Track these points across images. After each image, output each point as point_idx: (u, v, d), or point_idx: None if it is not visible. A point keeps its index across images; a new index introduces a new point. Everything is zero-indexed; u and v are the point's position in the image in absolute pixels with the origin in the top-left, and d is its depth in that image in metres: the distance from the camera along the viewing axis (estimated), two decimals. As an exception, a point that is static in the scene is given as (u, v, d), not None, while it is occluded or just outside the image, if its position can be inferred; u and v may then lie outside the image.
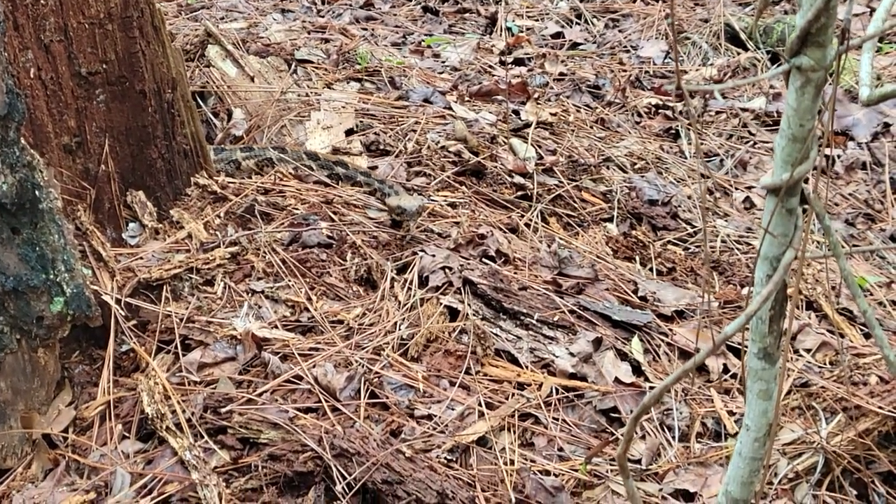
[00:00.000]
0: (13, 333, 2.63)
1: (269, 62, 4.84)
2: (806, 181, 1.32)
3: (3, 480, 2.63)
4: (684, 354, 3.22)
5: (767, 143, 5.18)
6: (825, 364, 3.26)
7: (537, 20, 7.16)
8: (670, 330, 3.30)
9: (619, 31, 6.93)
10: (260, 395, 2.79)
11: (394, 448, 2.57)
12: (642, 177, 4.47)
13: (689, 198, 4.38)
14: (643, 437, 2.87)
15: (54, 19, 3.00)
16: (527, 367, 3.02)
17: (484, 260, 3.47)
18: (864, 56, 1.38)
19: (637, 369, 3.11)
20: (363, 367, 2.89)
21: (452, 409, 2.82)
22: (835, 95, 1.21)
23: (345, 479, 2.49)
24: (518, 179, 4.21)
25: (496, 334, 3.11)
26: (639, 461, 2.80)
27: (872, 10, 6.83)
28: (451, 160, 4.20)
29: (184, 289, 3.12)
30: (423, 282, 3.27)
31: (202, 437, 2.67)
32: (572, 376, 3.01)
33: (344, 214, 3.60)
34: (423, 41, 6.43)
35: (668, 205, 4.27)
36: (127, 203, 3.28)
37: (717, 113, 5.45)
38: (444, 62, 5.97)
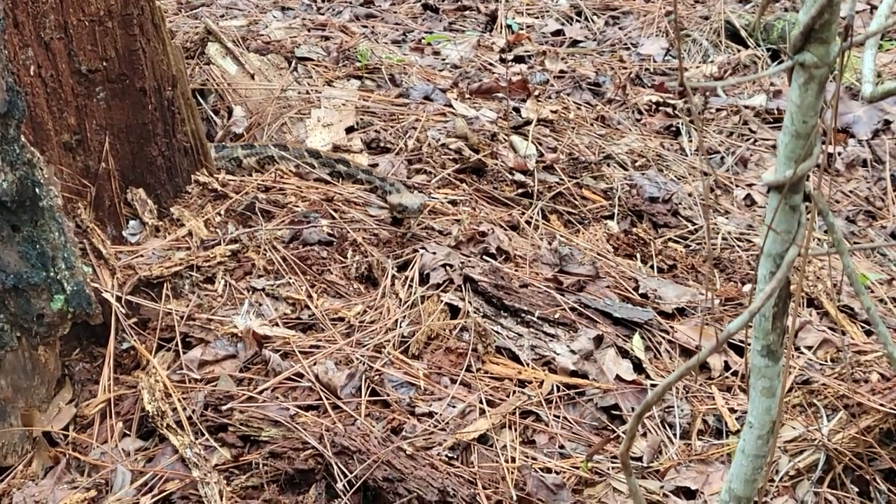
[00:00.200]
0: (13, 331, 2.63)
1: (269, 60, 4.84)
2: (807, 178, 1.32)
3: (4, 478, 2.63)
4: (685, 352, 3.22)
5: (768, 140, 5.17)
6: (826, 361, 3.26)
7: (537, 17, 7.16)
8: (671, 327, 3.30)
9: (620, 28, 6.93)
10: (261, 392, 2.78)
11: (395, 446, 2.57)
12: (643, 174, 4.47)
13: (690, 195, 4.38)
14: (644, 435, 2.87)
15: (54, 17, 2.99)
16: (528, 365, 3.01)
17: (485, 257, 3.47)
18: (866, 53, 1.38)
19: (638, 367, 3.11)
20: (364, 364, 2.89)
21: (453, 407, 2.82)
22: (838, 92, 1.20)
23: (346, 476, 2.49)
24: (519, 177, 4.21)
25: (497, 332, 3.10)
26: (640, 459, 2.80)
27: (873, 8, 6.83)
28: (451, 158, 4.20)
29: (184, 286, 3.12)
30: (423, 279, 3.26)
31: (203, 434, 2.67)
32: (573, 374, 3.01)
33: (344, 212, 3.60)
34: (424, 39, 6.43)
35: (669, 202, 4.26)
36: (127, 201, 3.28)
37: (718, 110, 5.45)
38: (444, 60, 5.96)
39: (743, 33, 6.46)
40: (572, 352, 3.06)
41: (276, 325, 3.05)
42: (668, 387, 1.15)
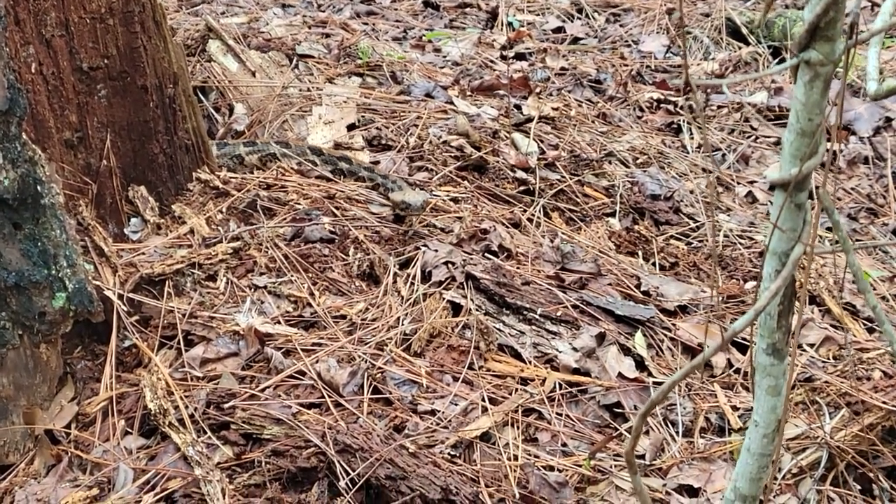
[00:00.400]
0: (15, 329, 2.62)
1: (270, 57, 4.83)
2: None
3: (6, 476, 2.63)
4: (687, 349, 3.22)
5: (769, 137, 5.17)
6: (829, 359, 3.26)
7: (538, 15, 7.15)
8: (673, 325, 3.30)
9: (620, 25, 6.92)
10: (263, 390, 2.78)
11: (397, 444, 2.57)
12: (644, 171, 4.46)
13: (692, 192, 4.37)
14: (647, 433, 2.86)
15: (55, 14, 2.99)
16: (530, 363, 3.01)
17: (486, 255, 3.47)
18: (871, 50, 1.37)
19: (640, 364, 3.10)
20: (366, 362, 2.89)
21: (456, 405, 2.82)
22: (843, 90, 1.20)
23: (348, 474, 2.49)
24: (520, 174, 4.20)
25: (499, 329, 3.10)
26: (643, 456, 2.80)
27: (873, 6, 6.82)
28: (453, 155, 4.19)
29: (186, 284, 3.12)
30: (425, 277, 3.26)
31: (205, 432, 2.67)
32: (575, 371, 3.00)
33: (346, 209, 3.60)
34: (424, 36, 6.42)
35: (671, 199, 4.26)
36: (129, 198, 3.28)
37: (719, 107, 5.44)
38: (445, 57, 5.96)
39: (744, 30, 6.46)
40: (574, 349, 3.06)
41: (278, 322, 3.05)
42: (673, 385, 1.15)
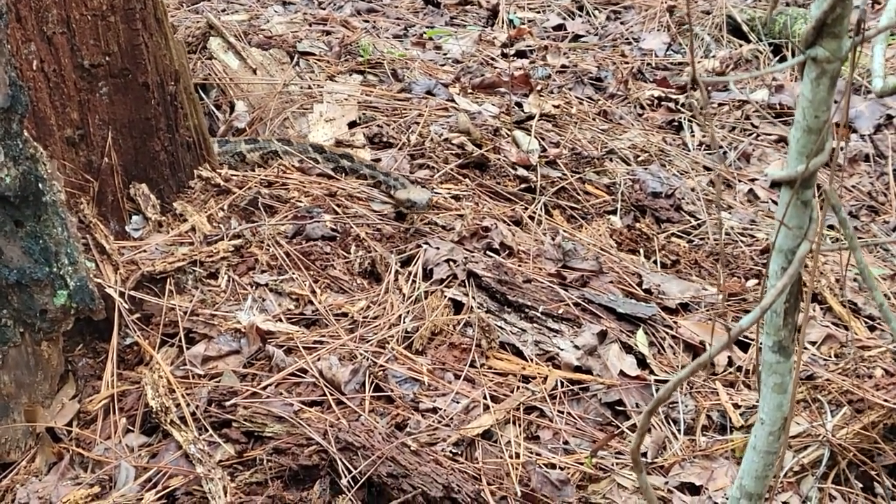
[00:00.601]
0: (17, 327, 2.62)
1: (271, 54, 4.83)
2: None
3: (7, 474, 2.62)
4: (689, 347, 3.22)
5: (770, 135, 5.16)
6: (830, 356, 3.26)
7: (539, 12, 7.15)
8: (675, 322, 3.29)
9: (621, 23, 6.92)
10: (264, 388, 2.78)
11: (399, 441, 2.56)
12: (645, 169, 4.46)
13: (693, 190, 4.37)
14: (649, 431, 2.86)
15: (57, 11, 2.98)
16: (532, 360, 3.01)
17: (488, 252, 3.46)
18: (876, 48, 1.37)
19: (642, 362, 3.10)
20: (368, 360, 2.89)
21: (457, 403, 2.82)
22: (849, 87, 1.20)
23: (350, 472, 2.48)
24: (521, 172, 4.20)
25: (501, 327, 3.10)
26: (644, 454, 2.80)
27: (874, 2, 6.81)
28: (454, 152, 4.19)
29: (187, 282, 3.11)
30: (427, 274, 3.26)
31: (207, 430, 2.67)
32: (577, 369, 3.00)
33: (347, 207, 3.59)
34: (425, 33, 6.41)
35: (672, 197, 4.26)
36: (130, 196, 3.27)
37: (720, 105, 5.44)
38: (445, 54, 5.95)
39: (745, 28, 6.45)
40: (576, 347, 3.06)
41: (280, 320, 3.04)
42: (679, 383, 1.14)
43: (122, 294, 2.96)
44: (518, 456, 2.68)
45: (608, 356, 3.07)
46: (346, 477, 2.48)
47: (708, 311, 3.41)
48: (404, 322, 3.06)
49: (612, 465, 2.71)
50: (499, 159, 4.24)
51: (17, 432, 2.65)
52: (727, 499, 2.62)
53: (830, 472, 2.79)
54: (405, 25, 6.64)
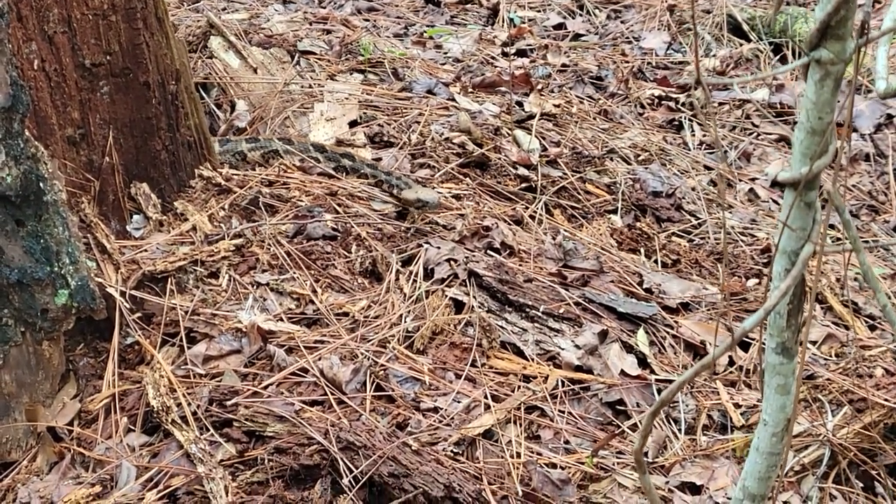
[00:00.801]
0: (18, 326, 2.62)
1: (271, 53, 4.83)
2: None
3: (9, 473, 2.63)
4: (690, 347, 3.22)
5: (771, 134, 5.16)
6: (831, 356, 3.26)
7: (539, 11, 7.14)
8: (676, 322, 3.30)
9: (622, 22, 6.91)
10: (265, 387, 2.78)
11: (400, 441, 2.57)
12: (646, 168, 4.46)
13: (693, 189, 4.37)
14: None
15: (58, 11, 2.98)
16: (532, 360, 3.01)
17: (489, 252, 3.46)
18: (879, 49, 1.37)
19: (643, 361, 3.10)
20: (369, 359, 2.89)
21: (458, 402, 2.82)
22: (853, 89, 1.20)
23: (351, 472, 2.48)
24: (522, 171, 4.20)
25: (502, 327, 3.10)
26: (645, 454, 2.80)
27: (875, 1, 6.81)
28: (455, 152, 4.19)
29: (188, 281, 3.11)
30: (428, 274, 3.26)
31: (208, 430, 2.67)
32: (578, 369, 3.01)
33: (348, 206, 3.59)
34: (425, 32, 6.41)
35: (673, 196, 4.26)
36: (131, 195, 3.27)
37: (721, 104, 5.44)
38: (446, 53, 5.95)
39: (745, 27, 6.45)
40: (577, 347, 3.06)
41: (281, 319, 3.04)
42: (683, 384, 1.14)
43: (123, 293, 2.96)
44: (519, 455, 2.69)
45: (609, 356, 3.07)
46: (347, 476, 2.48)
47: (709, 310, 3.41)
48: (405, 321, 3.06)
49: (613, 464, 2.72)
50: (499, 158, 4.24)
51: (18, 432, 2.65)
52: (728, 499, 2.63)
53: (831, 472, 2.79)
54: (405, 24, 6.64)
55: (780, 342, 1.36)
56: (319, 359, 2.88)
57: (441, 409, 2.79)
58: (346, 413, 2.72)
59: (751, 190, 4.59)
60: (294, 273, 3.21)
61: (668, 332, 3.24)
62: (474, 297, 3.16)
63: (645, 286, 3.49)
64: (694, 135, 5.05)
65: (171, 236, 3.24)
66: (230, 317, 3.01)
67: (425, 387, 2.86)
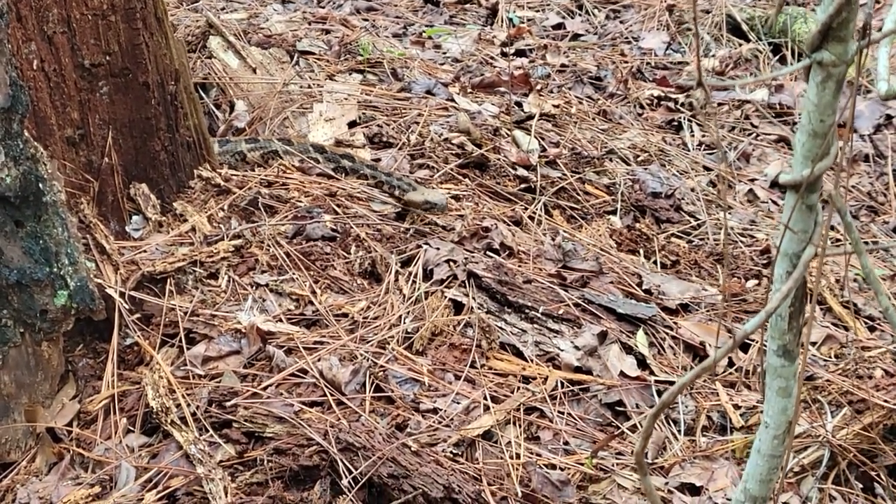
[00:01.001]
0: (17, 327, 2.62)
1: (270, 53, 4.82)
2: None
3: (8, 474, 2.62)
4: (689, 348, 3.22)
5: (770, 135, 5.16)
6: (830, 357, 3.26)
7: (538, 11, 7.14)
8: (675, 323, 3.30)
9: (621, 22, 6.91)
10: (265, 388, 2.78)
11: (399, 442, 2.56)
12: (645, 169, 4.46)
13: (693, 190, 4.37)
14: (649, 432, 2.86)
15: (57, 11, 2.98)
16: (532, 361, 3.01)
17: (488, 253, 3.46)
18: (881, 51, 1.37)
19: (642, 363, 3.10)
20: (368, 360, 2.89)
21: (458, 403, 2.82)
22: (855, 91, 1.20)
23: (351, 473, 2.48)
24: (521, 172, 4.20)
25: (501, 328, 3.10)
26: (645, 455, 2.79)
27: (875, 0, 6.80)
28: (454, 152, 4.18)
29: (188, 282, 3.11)
30: (427, 275, 3.26)
31: (207, 430, 2.67)
32: (577, 370, 3.00)
33: (348, 207, 3.59)
34: (424, 32, 6.41)
35: (672, 197, 4.26)
36: (130, 196, 3.27)
37: (720, 105, 5.44)
38: (445, 53, 5.94)
39: (744, 27, 6.44)
40: (576, 348, 3.06)
41: (280, 320, 3.04)
42: (684, 386, 1.14)
43: (122, 294, 2.96)
44: (518, 456, 2.69)
45: (608, 357, 3.07)
46: (346, 477, 2.48)
47: (708, 311, 3.41)
48: (404, 322, 3.06)
49: (613, 465, 2.71)
50: (499, 159, 4.24)
51: (17, 432, 2.65)
52: (728, 500, 2.63)
53: (830, 473, 2.79)
54: (404, 24, 6.64)
55: (781, 344, 1.36)
56: (319, 360, 2.87)
57: (440, 410, 2.78)
58: (346, 414, 2.71)
59: (750, 191, 4.59)
60: (293, 274, 3.21)
61: (667, 333, 3.24)
62: (473, 298, 3.16)
63: (644, 287, 3.49)
64: (693, 135, 5.05)
65: (170, 237, 3.24)
66: (229, 318, 3.01)
67: (424, 388, 2.86)
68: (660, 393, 2.97)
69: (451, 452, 2.64)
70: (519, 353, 3.04)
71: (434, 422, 2.74)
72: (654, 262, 3.79)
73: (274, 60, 4.80)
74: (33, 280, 2.59)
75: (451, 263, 3.28)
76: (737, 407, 2.98)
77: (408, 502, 2.45)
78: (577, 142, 4.60)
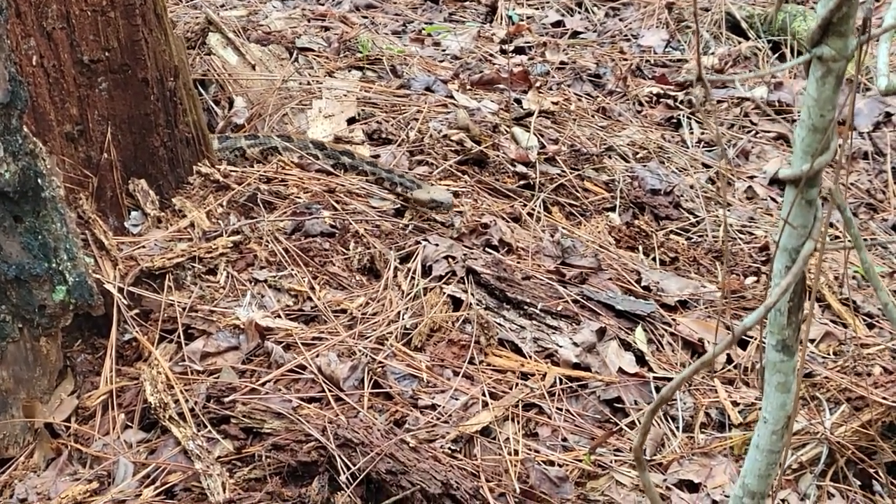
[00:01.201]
0: (15, 322, 2.62)
1: (270, 50, 4.82)
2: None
3: (6, 470, 2.62)
4: (688, 345, 3.22)
5: (769, 132, 5.16)
6: (829, 354, 3.26)
7: (537, 8, 7.14)
8: (673, 320, 3.30)
9: (620, 19, 6.91)
10: (263, 384, 2.78)
11: (398, 438, 2.56)
12: (644, 166, 4.46)
13: (692, 187, 4.37)
14: (647, 428, 2.86)
15: (56, 7, 2.98)
16: (530, 357, 3.01)
17: (487, 249, 3.46)
18: (881, 46, 1.37)
19: (641, 359, 3.10)
20: (366, 356, 2.89)
21: (456, 399, 2.82)
22: (855, 87, 1.20)
23: (349, 469, 2.48)
24: (520, 168, 4.20)
25: (499, 324, 3.10)
26: (643, 452, 2.80)
27: None
28: (453, 149, 4.18)
29: (186, 278, 3.11)
30: (426, 271, 3.26)
31: (205, 426, 2.67)
32: (576, 366, 3.00)
33: (346, 203, 3.59)
34: (424, 29, 6.41)
35: (671, 194, 4.26)
36: (129, 191, 3.27)
37: (719, 102, 5.44)
38: (444, 51, 5.94)
39: (744, 25, 6.44)
40: (575, 344, 3.06)
41: (279, 316, 3.04)
42: (682, 381, 1.14)
43: (120, 290, 2.95)
44: (517, 453, 2.69)
45: (607, 353, 3.07)
46: (344, 473, 2.48)
47: (707, 308, 3.41)
48: (403, 319, 3.06)
49: (611, 462, 2.71)
50: (498, 156, 4.24)
51: (15, 428, 2.65)
52: (726, 496, 2.63)
53: (829, 470, 2.79)
54: (404, 21, 6.63)
55: (780, 339, 1.36)
56: (317, 356, 2.87)
57: (439, 406, 2.79)
58: (344, 410, 2.71)
59: (749, 188, 4.59)
60: (292, 270, 3.21)
61: (665, 330, 3.24)
62: (472, 294, 3.16)
63: (643, 284, 3.49)
64: (692, 132, 5.05)
65: (168, 233, 3.24)
66: (228, 313, 3.01)
67: (423, 384, 2.86)
68: (658, 389, 2.97)
69: (449, 449, 2.64)
70: (517, 350, 3.04)
71: (432, 418, 2.74)
72: (653, 259, 3.79)
73: (273, 57, 4.79)
74: (32, 275, 2.59)
75: (450, 260, 3.28)
76: (735, 404, 2.98)
77: (406, 498, 2.46)
78: (577, 139, 4.60)
